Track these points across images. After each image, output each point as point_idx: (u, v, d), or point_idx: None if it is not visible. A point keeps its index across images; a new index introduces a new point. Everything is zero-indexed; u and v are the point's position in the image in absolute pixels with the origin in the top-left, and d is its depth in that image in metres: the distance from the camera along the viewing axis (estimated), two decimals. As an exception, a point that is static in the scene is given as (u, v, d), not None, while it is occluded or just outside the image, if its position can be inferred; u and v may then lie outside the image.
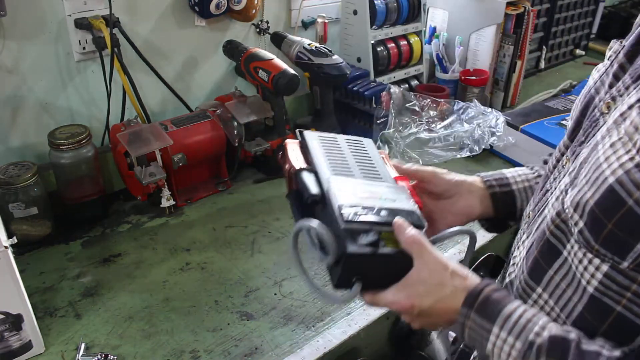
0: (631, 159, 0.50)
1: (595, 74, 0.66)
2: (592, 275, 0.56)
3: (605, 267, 0.55)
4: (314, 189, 0.65)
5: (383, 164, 0.75)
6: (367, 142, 0.79)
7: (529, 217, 0.71)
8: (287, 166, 0.72)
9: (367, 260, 0.62)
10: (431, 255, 0.63)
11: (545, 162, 0.83)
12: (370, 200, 0.65)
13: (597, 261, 0.55)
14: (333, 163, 0.70)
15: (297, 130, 0.78)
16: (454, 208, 0.79)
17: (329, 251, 0.61)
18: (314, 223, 0.62)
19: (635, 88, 0.55)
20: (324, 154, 0.71)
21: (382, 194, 0.67)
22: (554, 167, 0.69)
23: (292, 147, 0.74)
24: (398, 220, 0.64)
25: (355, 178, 0.69)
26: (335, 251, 0.61)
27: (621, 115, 0.53)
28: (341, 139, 0.77)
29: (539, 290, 0.64)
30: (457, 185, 0.79)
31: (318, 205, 0.66)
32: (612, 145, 0.52)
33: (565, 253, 0.60)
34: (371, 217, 0.63)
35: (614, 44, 0.65)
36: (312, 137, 0.75)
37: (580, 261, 0.57)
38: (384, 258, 0.63)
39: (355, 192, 0.65)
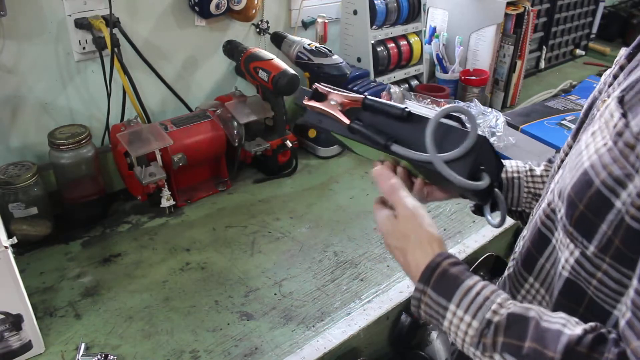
0: (605, 144, 0.52)
1: (602, 77, 0.69)
2: (567, 260, 0.58)
3: (577, 253, 0.56)
4: (401, 104, 0.69)
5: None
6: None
7: (532, 215, 0.73)
8: (325, 108, 0.77)
9: (488, 147, 0.67)
10: (406, 209, 0.66)
11: (550, 162, 0.85)
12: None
13: (572, 246, 0.57)
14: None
15: (311, 89, 0.81)
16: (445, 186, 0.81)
17: (463, 141, 0.64)
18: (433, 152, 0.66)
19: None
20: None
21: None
22: (559, 168, 0.70)
23: (312, 103, 0.79)
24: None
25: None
26: (474, 136, 0.64)
27: (606, 107, 0.56)
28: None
29: (531, 279, 0.66)
30: None
31: (403, 122, 0.69)
32: (592, 134, 0.55)
33: (554, 241, 0.62)
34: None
35: (623, 50, 0.68)
36: (329, 90, 0.79)
37: (567, 247, 0.59)
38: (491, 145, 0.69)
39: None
